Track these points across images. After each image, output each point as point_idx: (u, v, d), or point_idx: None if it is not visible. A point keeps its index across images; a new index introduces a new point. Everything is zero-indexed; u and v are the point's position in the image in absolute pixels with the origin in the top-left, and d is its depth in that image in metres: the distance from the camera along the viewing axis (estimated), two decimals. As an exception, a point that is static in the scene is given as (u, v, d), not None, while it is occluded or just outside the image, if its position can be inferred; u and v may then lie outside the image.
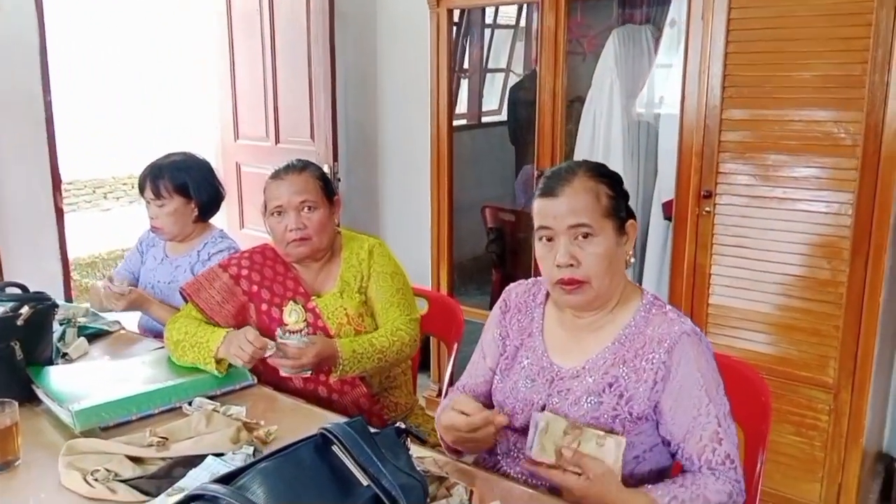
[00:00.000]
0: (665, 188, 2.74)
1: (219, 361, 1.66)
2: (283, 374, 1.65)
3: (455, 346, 2.01)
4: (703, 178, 2.34)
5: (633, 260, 1.37)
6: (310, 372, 1.65)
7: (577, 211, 1.28)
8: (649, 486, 1.21)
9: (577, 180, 1.31)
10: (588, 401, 1.31)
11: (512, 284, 1.55)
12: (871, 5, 1.97)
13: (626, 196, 1.37)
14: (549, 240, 1.32)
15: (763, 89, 2.20)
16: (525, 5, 3.76)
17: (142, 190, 2.16)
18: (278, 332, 1.64)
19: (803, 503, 2.27)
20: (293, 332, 1.67)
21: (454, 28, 3.02)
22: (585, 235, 1.29)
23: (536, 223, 1.34)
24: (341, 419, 1.50)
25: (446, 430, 1.32)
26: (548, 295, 1.45)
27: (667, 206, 2.73)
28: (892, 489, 2.44)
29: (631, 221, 1.35)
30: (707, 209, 2.34)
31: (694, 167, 2.35)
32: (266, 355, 1.61)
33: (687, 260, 2.40)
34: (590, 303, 1.34)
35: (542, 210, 1.32)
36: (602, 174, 1.34)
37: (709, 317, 2.38)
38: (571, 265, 1.29)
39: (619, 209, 1.33)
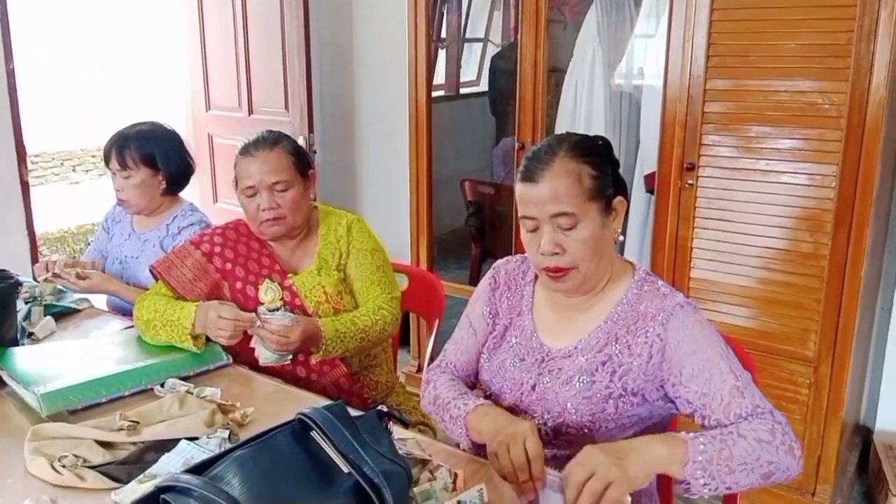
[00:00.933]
0: (647, 160, 2.71)
1: (195, 337, 1.61)
2: (262, 363, 1.59)
3: (436, 322, 1.97)
4: (685, 150, 2.30)
5: (621, 238, 1.32)
6: (290, 358, 1.60)
7: (558, 198, 1.22)
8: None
9: (557, 163, 1.23)
10: (580, 380, 1.28)
11: (501, 260, 1.50)
12: (858, -28, 1.93)
13: (615, 166, 1.31)
14: (534, 228, 1.27)
15: (748, 59, 2.16)
16: (504, -27, 3.67)
17: (107, 160, 2.08)
18: (260, 308, 1.58)
19: (782, 475, 2.28)
20: (273, 310, 1.61)
21: (432, -5, 2.93)
22: (569, 223, 1.23)
23: (519, 210, 1.28)
24: (320, 400, 1.47)
25: (490, 432, 1.20)
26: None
27: (649, 179, 2.70)
28: (869, 460, 2.47)
29: (619, 198, 1.29)
30: (689, 182, 2.31)
31: (677, 139, 2.31)
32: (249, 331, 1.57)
33: (669, 233, 2.38)
34: (578, 287, 1.31)
35: (523, 197, 1.27)
36: (585, 152, 1.25)
37: (690, 290, 2.36)
38: (556, 253, 1.25)
39: (605, 188, 1.26)
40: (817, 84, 2.06)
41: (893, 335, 2.44)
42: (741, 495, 1.36)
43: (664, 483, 1.42)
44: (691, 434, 1.11)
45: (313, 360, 1.62)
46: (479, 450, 1.28)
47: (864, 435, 2.58)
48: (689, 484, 1.09)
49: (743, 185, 2.22)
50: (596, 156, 1.27)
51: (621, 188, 1.32)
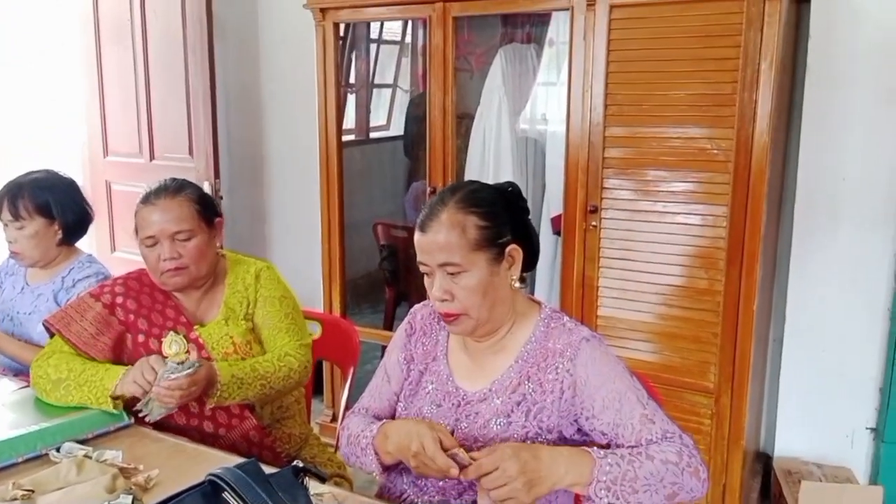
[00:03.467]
0: (553, 203, 2.80)
1: (115, 398, 1.53)
2: (152, 420, 1.51)
3: (351, 370, 1.95)
4: (588, 193, 2.40)
5: (517, 284, 1.35)
6: (174, 409, 1.52)
7: (444, 248, 1.27)
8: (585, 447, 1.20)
9: (444, 214, 1.28)
10: (497, 423, 1.30)
11: (417, 306, 1.51)
12: (739, 27, 2.09)
13: (523, 213, 1.36)
14: (429, 274, 1.32)
15: (642, 108, 2.28)
16: (410, 22, 3.76)
17: None
18: (166, 367, 1.50)
19: (691, 505, 2.35)
20: (179, 364, 1.54)
21: (339, 42, 2.96)
22: (455, 271, 1.28)
23: (417, 257, 1.32)
24: (229, 457, 1.41)
25: (398, 448, 1.27)
26: None
27: (555, 221, 2.78)
28: (770, 486, 2.59)
29: (513, 246, 1.32)
30: (594, 223, 2.40)
31: (580, 183, 2.41)
32: (146, 400, 1.49)
33: (576, 273, 2.45)
34: (473, 331, 1.34)
35: (417, 245, 1.32)
36: (473, 203, 1.30)
37: (598, 327, 2.43)
38: (446, 300, 1.29)
39: (496, 237, 1.30)
40: (706, 131, 2.20)
41: (786, 365, 2.59)
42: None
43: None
44: (602, 452, 1.17)
45: (207, 406, 1.55)
46: (390, 472, 1.33)
47: (764, 461, 2.70)
48: (592, 500, 1.15)
49: (643, 227, 2.33)
50: (486, 206, 1.30)
51: (525, 235, 1.35)
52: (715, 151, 2.19)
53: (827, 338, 2.51)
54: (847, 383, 2.50)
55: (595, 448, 1.18)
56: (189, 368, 1.48)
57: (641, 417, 1.23)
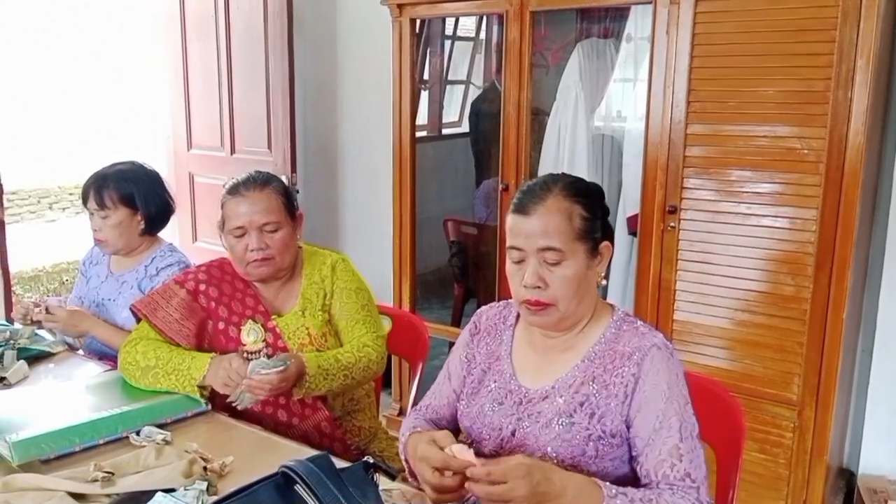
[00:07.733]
0: (629, 202, 2.73)
1: (202, 387, 1.58)
2: (241, 408, 1.55)
3: (420, 366, 1.95)
4: (667, 193, 2.32)
5: (604, 282, 1.33)
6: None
7: (548, 233, 1.24)
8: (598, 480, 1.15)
9: (551, 199, 1.26)
10: (559, 422, 1.27)
11: (484, 307, 1.50)
12: (834, 21, 1.98)
13: (605, 212, 1.33)
14: (520, 260, 1.28)
15: (727, 105, 2.19)
16: (485, 17, 3.73)
17: (85, 200, 2.05)
18: (252, 362, 1.53)
19: (768, 520, 2.26)
20: (260, 355, 1.57)
21: (415, 38, 2.97)
22: (555, 259, 1.25)
23: (508, 241, 1.30)
24: (303, 449, 1.43)
25: (419, 463, 1.24)
26: (518, 317, 1.42)
27: (631, 221, 2.71)
28: (854, 504, 2.46)
29: (605, 243, 1.31)
30: (672, 224, 2.32)
31: (659, 182, 2.33)
32: (239, 392, 1.54)
33: (652, 275, 2.38)
34: (556, 324, 1.31)
35: (513, 228, 1.28)
36: (579, 193, 1.28)
37: (673, 332, 2.36)
38: (538, 287, 1.26)
39: (594, 230, 1.28)
40: (796, 130, 2.09)
41: (875, 377, 2.45)
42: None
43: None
44: (614, 491, 1.13)
45: (295, 396, 1.58)
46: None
47: (847, 478, 2.57)
48: None
49: (724, 229, 2.24)
50: (589, 198, 1.29)
51: (609, 235, 1.34)
52: (805, 151, 2.09)
53: (921, 350, 2.37)
54: (942, 399, 2.35)
55: (607, 484, 1.14)
56: (280, 365, 1.50)
57: (672, 449, 1.19)
